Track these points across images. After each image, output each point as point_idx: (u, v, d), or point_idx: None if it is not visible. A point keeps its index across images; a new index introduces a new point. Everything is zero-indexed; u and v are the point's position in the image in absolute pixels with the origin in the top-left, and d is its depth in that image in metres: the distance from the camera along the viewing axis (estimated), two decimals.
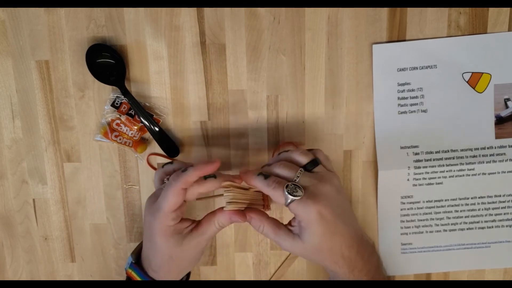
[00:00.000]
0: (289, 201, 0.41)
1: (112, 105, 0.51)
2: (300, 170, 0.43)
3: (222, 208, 0.44)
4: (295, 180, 0.43)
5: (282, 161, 0.45)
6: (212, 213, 0.45)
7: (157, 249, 0.45)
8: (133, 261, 0.48)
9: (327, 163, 0.46)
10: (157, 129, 0.51)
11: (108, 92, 0.51)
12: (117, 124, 0.51)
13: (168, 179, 0.44)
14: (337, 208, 0.43)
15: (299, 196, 0.41)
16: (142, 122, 0.50)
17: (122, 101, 0.51)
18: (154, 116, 0.51)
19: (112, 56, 0.49)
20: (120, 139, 0.51)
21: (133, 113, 0.51)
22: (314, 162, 0.44)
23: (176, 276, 0.48)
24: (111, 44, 0.50)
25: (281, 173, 0.43)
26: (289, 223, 0.45)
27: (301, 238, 0.43)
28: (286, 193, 0.41)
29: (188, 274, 0.51)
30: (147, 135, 0.52)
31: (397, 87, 0.51)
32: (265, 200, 0.47)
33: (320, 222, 0.42)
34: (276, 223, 0.44)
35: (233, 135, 0.52)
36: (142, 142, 0.52)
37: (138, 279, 0.47)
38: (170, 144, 0.51)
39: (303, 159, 0.45)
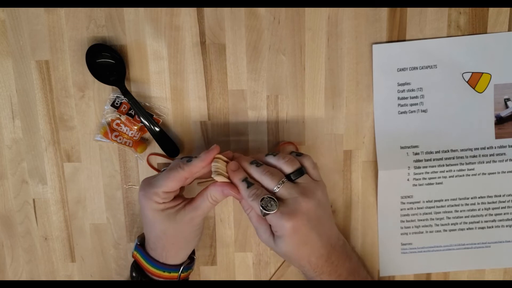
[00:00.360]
0: (263, 214, 0.42)
1: (112, 105, 0.51)
2: (282, 181, 0.43)
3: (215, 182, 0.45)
4: (275, 190, 0.43)
5: (268, 167, 0.45)
6: (205, 188, 0.46)
7: (150, 224, 0.46)
8: (138, 243, 0.49)
9: (314, 172, 0.46)
10: (157, 129, 0.51)
11: (108, 92, 0.51)
12: (117, 124, 0.51)
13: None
14: (314, 220, 0.43)
15: (272, 211, 0.42)
16: (142, 122, 0.50)
17: (122, 101, 0.51)
18: (154, 116, 0.51)
19: (112, 56, 0.49)
20: (120, 139, 0.51)
21: (133, 113, 0.51)
22: (300, 172, 0.45)
23: (175, 255, 0.47)
24: (111, 44, 0.50)
25: (264, 181, 0.44)
26: None
27: (275, 241, 0.44)
28: (260, 207, 0.42)
29: (193, 260, 0.51)
30: (147, 135, 0.52)
31: (397, 87, 0.51)
32: None
33: (292, 236, 0.42)
34: None
35: (233, 135, 0.52)
36: (142, 142, 0.52)
37: (141, 259, 0.48)
38: (170, 144, 0.51)
39: (288, 169, 0.45)
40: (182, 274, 0.49)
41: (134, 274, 0.49)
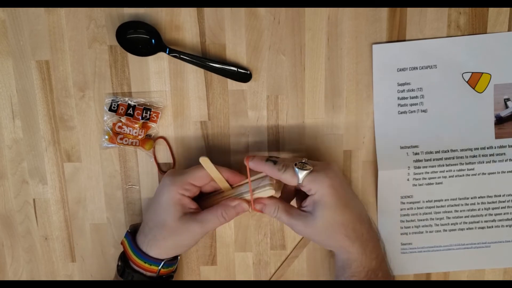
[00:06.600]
0: (302, 176, 0.43)
1: (110, 109, 0.51)
2: (304, 157, 0.46)
3: (224, 201, 0.47)
4: (303, 160, 0.45)
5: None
6: (217, 205, 0.46)
7: (157, 210, 0.47)
8: (129, 230, 0.49)
9: None
10: (216, 65, 0.50)
11: (109, 91, 0.51)
12: (119, 127, 0.51)
13: None
14: (344, 183, 0.46)
15: (309, 169, 0.43)
16: (202, 66, 0.50)
17: (118, 103, 0.51)
18: (153, 110, 0.51)
19: (143, 30, 0.49)
20: (126, 141, 0.51)
21: (131, 112, 0.51)
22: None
23: (159, 249, 0.47)
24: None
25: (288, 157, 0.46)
26: (299, 207, 0.47)
27: (314, 215, 0.44)
28: (297, 169, 0.43)
29: (176, 258, 0.50)
30: (151, 131, 0.52)
31: (397, 87, 0.51)
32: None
33: (333, 194, 0.43)
34: (288, 206, 0.46)
35: (233, 135, 0.52)
36: (148, 139, 0.52)
37: (128, 247, 0.48)
38: (240, 68, 0.50)
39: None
40: (162, 270, 0.48)
41: (119, 263, 0.49)
